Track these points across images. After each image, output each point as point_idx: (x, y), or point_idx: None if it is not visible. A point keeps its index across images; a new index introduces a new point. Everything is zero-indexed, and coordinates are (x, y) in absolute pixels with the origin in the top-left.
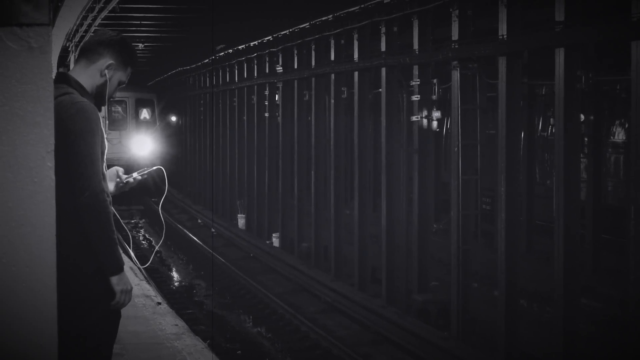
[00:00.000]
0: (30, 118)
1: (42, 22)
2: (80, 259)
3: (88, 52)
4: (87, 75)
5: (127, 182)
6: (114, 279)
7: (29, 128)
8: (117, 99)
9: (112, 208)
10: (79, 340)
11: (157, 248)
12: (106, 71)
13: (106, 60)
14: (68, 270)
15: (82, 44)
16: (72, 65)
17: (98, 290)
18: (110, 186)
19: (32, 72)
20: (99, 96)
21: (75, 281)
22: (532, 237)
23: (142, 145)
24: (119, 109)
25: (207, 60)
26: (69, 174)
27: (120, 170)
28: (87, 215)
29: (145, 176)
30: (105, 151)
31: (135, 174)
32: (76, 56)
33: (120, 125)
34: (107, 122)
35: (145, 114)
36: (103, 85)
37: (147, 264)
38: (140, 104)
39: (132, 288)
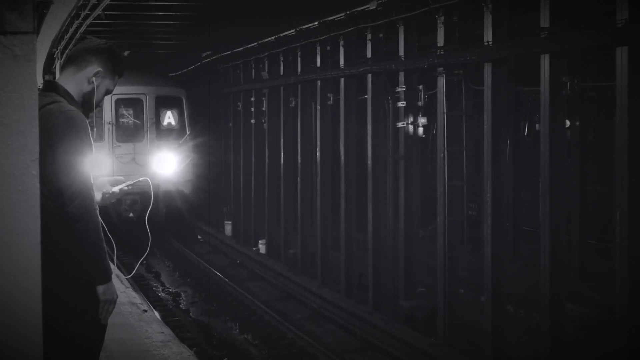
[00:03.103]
0: (15, 126)
1: (27, 30)
2: (70, 265)
3: (76, 60)
4: (74, 83)
5: (113, 192)
6: (101, 289)
7: (13, 136)
8: (130, 96)
9: (100, 217)
10: (68, 346)
11: (142, 259)
12: (94, 78)
13: (94, 68)
14: (59, 276)
15: (69, 51)
16: (57, 72)
17: (88, 296)
18: (97, 196)
19: (17, 80)
20: (86, 104)
21: (65, 287)
22: (518, 242)
23: (166, 163)
24: (131, 111)
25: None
26: (58, 183)
27: (109, 180)
28: (76, 224)
29: (131, 187)
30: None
31: (121, 185)
32: (62, 63)
33: (133, 135)
34: (114, 129)
35: (170, 117)
36: (90, 93)
37: (132, 274)
38: (162, 103)
39: (117, 298)
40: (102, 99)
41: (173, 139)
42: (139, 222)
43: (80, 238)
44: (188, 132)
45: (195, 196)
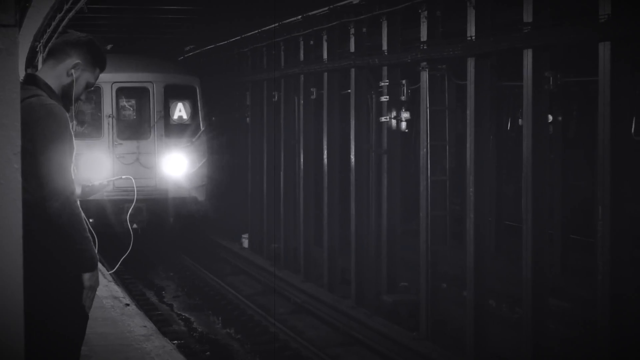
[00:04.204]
0: None
1: (9, 24)
2: (53, 258)
3: (55, 52)
4: (53, 75)
5: (93, 185)
6: (87, 275)
7: None
8: (134, 85)
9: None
10: (51, 338)
11: (125, 256)
12: (73, 71)
13: (73, 60)
14: (42, 270)
15: (50, 44)
16: (40, 66)
17: (72, 289)
18: (77, 190)
19: None
20: (65, 97)
21: (49, 280)
22: (501, 237)
23: (177, 165)
24: (133, 102)
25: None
26: (38, 177)
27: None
28: (59, 218)
29: (112, 182)
30: (74, 153)
31: (103, 180)
32: (44, 56)
33: (138, 131)
34: (114, 123)
35: (181, 110)
36: (69, 85)
37: (114, 269)
38: (172, 93)
39: (98, 285)
40: (82, 92)
41: (185, 136)
42: (143, 235)
43: (64, 231)
44: (202, 128)
45: (210, 204)
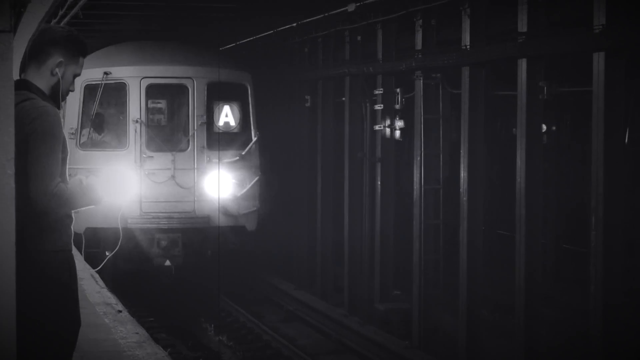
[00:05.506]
0: None
1: (3, 29)
2: (52, 259)
3: (36, 54)
4: (39, 77)
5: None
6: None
7: None
8: (170, 82)
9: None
10: (42, 336)
11: (112, 253)
12: (57, 69)
13: (55, 59)
14: (43, 273)
15: (29, 46)
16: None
17: (69, 292)
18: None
19: None
20: (55, 95)
21: (47, 284)
22: (494, 246)
23: (223, 184)
24: (162, 105)
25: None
26: (29, 180)
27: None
28: (56, 207)
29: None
30: (68, 157)
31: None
32: (25, 60)
33: (172, 141)
34: (143, 131)
35: (228, 115)
36: (57, 84)
37: (99, 268)
38: (217, 93)
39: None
40: (71, 84)
41: (232, 148)
42: (178, 273)
43: (62, 210)
44: (255, 138)
45: (263, 234)
